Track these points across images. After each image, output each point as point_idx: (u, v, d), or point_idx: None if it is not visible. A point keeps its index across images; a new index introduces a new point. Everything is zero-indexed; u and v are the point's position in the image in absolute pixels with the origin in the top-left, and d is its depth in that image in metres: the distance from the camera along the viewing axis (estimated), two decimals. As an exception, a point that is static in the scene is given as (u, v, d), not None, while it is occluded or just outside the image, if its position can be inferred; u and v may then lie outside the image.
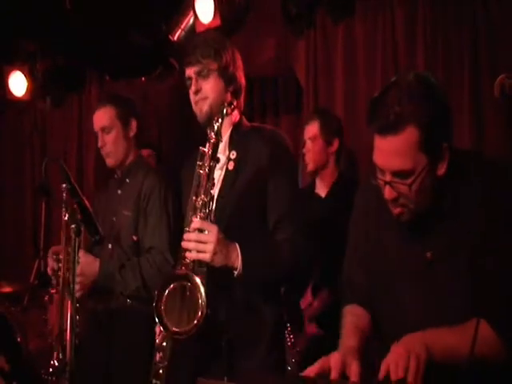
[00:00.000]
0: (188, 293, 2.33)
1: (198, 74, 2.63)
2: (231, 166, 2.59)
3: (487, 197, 1.94)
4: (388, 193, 1.95)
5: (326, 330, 3.63)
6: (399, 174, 1.91)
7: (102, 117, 3.53)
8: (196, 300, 2.27)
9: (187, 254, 2.36)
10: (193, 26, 4.83)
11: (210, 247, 2.35)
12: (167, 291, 2.35)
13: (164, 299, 2.34)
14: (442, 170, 1.94)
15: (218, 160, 2.43)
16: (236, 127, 2.67)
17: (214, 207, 2.45)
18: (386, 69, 4.35)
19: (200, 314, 2.25)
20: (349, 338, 2.06)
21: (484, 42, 4.01)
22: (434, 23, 4.18)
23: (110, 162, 3.56)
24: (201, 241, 2.36)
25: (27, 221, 6.46)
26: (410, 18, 4.30)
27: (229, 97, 2.61)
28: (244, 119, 2.72)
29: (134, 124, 3.58)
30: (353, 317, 2.18)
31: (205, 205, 2.41)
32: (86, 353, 3.24)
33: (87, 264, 3.34)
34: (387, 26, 4.40)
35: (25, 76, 6.05)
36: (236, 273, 2.41)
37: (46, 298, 4.30)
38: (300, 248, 2.53)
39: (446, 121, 1.93)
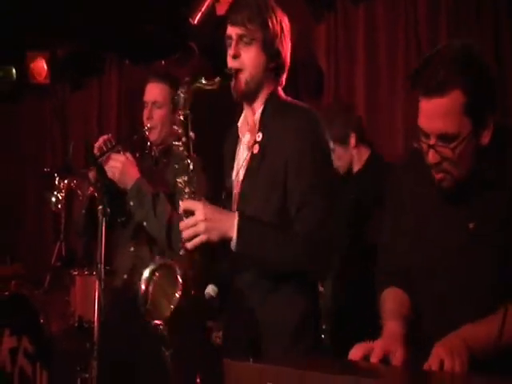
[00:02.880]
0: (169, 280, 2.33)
1: (241, 37, 2.43)
2: (256, 149, 2.45)
3: None
4: (431, 157, 1.96)
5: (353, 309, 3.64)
6: (444, 137, 1.93)
7: (157, 92, 3.53)
8: (174, 286, 2.27)
9: (187, 245, 2.33)
10: (213, 10, 4.82)
11: (201, 227, 2.29)
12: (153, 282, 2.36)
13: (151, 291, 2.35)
14: (485, 139, 1.97)
15: (189, 137, 2.39)
16: (269, 103, 2.49)
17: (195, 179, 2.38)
18: (408, 51, 4.31)
19: (176, 300, 2.25)
20: (393, 323, 2.04)
21: (505, 22, 3.97)
22: (456, 2, 4.13)
23: (151, 136, 3.54)
24: (189, 225, 2.31)
25: (50, 206, 6.49)
26: (432, -1, 4.25)
27: (269, 72, 2.46)
28: (280, 94, 2.53)
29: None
30: (395, 303, 2.16)
31: (186, 184, 2.38)
32: (106, 334, 3.25)
33: (130, 165, 3.32)
34: (409, 7, 4.34)
35: (46, 61, 6.08)
36: (233, 244, 2.32)
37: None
38: (315, 245, 2.31)
39: (491, 90, 1.96)
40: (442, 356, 1.79)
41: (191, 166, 2.40)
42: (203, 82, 2.39)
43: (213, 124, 5.08)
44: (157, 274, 2.37)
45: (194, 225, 2.31)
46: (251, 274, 2.42)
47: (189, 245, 2.32)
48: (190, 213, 2.34)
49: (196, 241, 2.31)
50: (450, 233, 2.07)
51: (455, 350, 1.80)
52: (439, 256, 2.09)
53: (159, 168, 3.55)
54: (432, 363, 1.80)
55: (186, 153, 2.41)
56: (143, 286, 2.35)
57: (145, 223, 3.31)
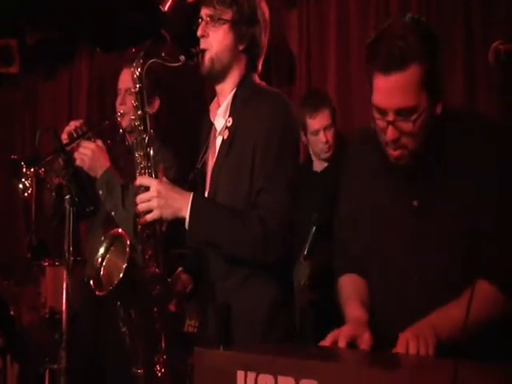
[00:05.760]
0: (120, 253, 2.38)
1: (210, 18, 2.44)
2: (226, 134, 2.44)
3: (477, 151, 1.95)
4: (390, 133, 1.94)
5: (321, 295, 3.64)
6: (403, 112, 1.91)
7: (130, 79, 3.44)
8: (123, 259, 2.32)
9: (140, 220, 2.34)
10: (184, -3, 4.78)
11: (153, 203, 2.29)
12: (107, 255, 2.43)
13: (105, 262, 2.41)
14: (439, 109, 1.97)
15: (145, 111, 2.38)
16: (240, 87, 2.49)
17: (151, 157, 2.37)
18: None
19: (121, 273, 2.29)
20: (355, 310, 2.05)
21: (477, 7, 3.97)
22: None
23: (124, 122, 3.50)
24: (143, 200, 2.31)
25: (18, 194, 6.41)
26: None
27: (239, 54, 2.46)
28: (254, 79, 2.52)
29: (156, 103, 3.57)
30: (351, 286, 2.17)
31: (142, 158, 2.38)
32: (79, 325, 3.23)
33: (100, 153, 3.29)
34: (381, -6, 4.34)
35: (15, 49, 5.98)
36: (186, 224, 2.31)
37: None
38: (269, 230, 2.28)
39: (443, 60, 1.97)
40: (408, 340, 1.79)
41: (147, 140, 2.38)
42: (161, 57, 2.39)
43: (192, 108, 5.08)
44: (112, 249, 2.41)
45: (148, 200, 2.31)
46: (225, 262, 2.40)
47: (143, 219, 2.33)
48: (146, 188, 2.34)
49: (149, 216, 2.32)
50: (396, 211, 2.08)
51: (422, 334, 1.80)
52: (389, 236, 2.09)
53: (131, 161, 3.48)
54: (399, 349, 1.80)
55: (141, 127, 2.39)
56: (98, 261, 2.41)
57: (113, 213, 3.28)
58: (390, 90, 1.91)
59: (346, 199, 2.28)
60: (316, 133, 3.94)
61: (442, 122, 1.99)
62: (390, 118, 1.93)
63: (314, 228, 3.47)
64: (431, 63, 1.90)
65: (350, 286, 2.19)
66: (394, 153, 1.99)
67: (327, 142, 3.94)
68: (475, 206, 1.93)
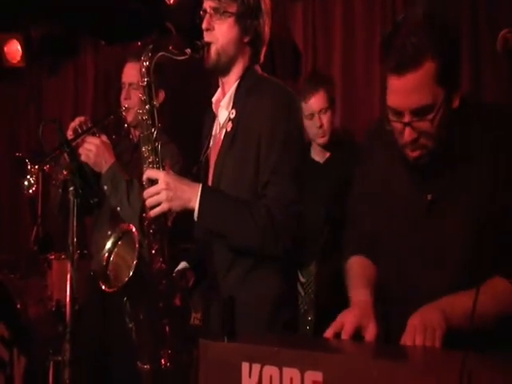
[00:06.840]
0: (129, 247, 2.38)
1: (214, 10, 2.43)
2: (229, 127, 2.43)
3: (493, 143, 1.91)
4: (408, 135, 1.89)
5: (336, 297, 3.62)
6: (419, 112, 1.86)
7: (135, 73, 3.39)
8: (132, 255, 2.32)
9: (148, 215, 2.33)
10: (188, -11, 4.77)
11: (163, 196, 2.27)
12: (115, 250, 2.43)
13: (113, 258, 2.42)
14: (456, 102, 1.92)
15: (153, 105, 2.37)
16: (243, 79, 2.48)
17: (159, 150, 2.36)
18: (384, 27, 4.28)
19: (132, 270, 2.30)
20: (361, 291, 2.03)
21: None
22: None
23: (129, 117, 3.51)
24: (152, 194, 2.30)
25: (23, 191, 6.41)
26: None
27: (244, 46, 2.46)
28: (256, 70, 2.52)
29: (161, 95, 3.55)
30: (360, 268, 2.14)
31: (150, 153, 2.36)
32: (84, 317, 3.23)
33: (105, 148, 3.28)
34: (385, -16, 4.33)
35: (20, 44, 5.98)
36: (195, 214, 2.30)
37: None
38: (276, 222, 2.27)
39: (458, 50, 1.91)
40: (416, 332, 1.77)
41: (155, 135, 2.37)
42: (169, 50, 2.37)
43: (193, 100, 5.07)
44: (119, 244, 2.42)
45: (157, 193, 2.29)
46: (228, 254, 2.40)
47: (151, 213, 2.31)
48: (153, 182, 2.32)
49: (158, 209, 2.30)
50: (409, 203, 2.04)
51: (429, 324, 1.77)
52: (399, 225, 2.06)
53: (136, 156, 3.49)
54: (406, 339, 1.78)
55: (149, 121, 2.38)
56: (105, 256, 2.42)
57: (118, 209, 3.28)
58: (404, 90, 1.85)
59: (361, 182, 2.25)
60: (310, 117, 3.80)
61: (460, 116, 1.94)
62: (407, 119, 1.88)
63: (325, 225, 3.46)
64: (446, 57, 1.84)
65: (357, 267, 2.16)
66: (412, 154, 1.94)
67: (321, 126, 3.81)
68: (493, 199, 1.89)
